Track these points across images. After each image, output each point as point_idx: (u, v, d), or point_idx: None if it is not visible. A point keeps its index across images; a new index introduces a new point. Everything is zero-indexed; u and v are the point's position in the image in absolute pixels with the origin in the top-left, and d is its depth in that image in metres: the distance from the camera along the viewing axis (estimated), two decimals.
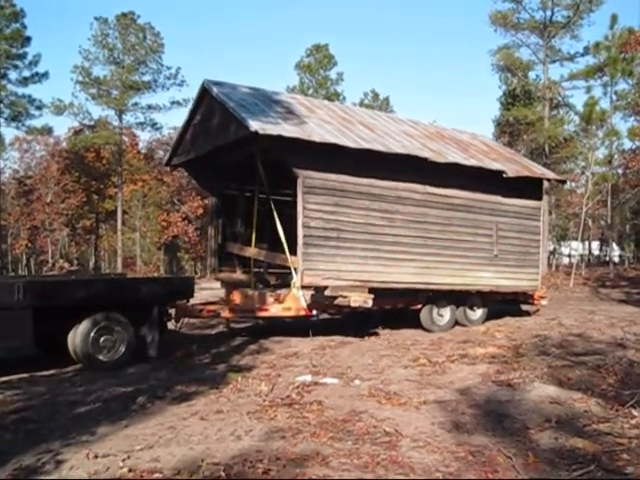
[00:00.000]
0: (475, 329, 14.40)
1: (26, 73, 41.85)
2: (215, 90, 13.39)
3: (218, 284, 16.40)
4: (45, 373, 9.69)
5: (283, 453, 5.74)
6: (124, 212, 50.62)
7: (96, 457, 5.69)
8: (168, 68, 48.67)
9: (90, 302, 9.98)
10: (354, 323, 15.01)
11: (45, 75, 42.52)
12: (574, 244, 42.63)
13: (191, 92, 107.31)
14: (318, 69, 51.95)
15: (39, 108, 43.81)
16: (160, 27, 74.97)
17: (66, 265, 36.75)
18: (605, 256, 48.06)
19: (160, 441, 6.22)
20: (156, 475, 5.26)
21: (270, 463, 5.45)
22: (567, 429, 6.38)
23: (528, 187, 15.70)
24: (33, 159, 56.25)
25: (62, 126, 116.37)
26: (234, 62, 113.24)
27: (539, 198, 16.35)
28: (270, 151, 12.42)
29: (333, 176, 12.72)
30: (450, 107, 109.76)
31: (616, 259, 46.09)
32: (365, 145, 13.05)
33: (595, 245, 52.23)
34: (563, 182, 24.16)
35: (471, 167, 14.55)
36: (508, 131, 41.58)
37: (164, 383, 8.94)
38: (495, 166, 15.09)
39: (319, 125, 13.32)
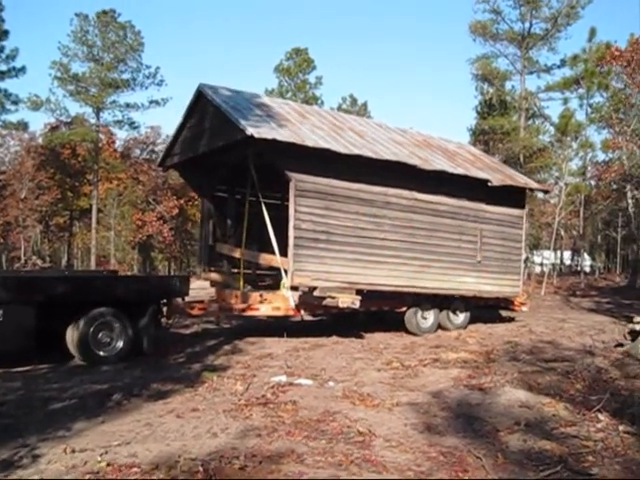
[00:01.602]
0: (448, 334, 14.68)
1: (2, 67, 41.05)
2: (210, 94, 13.63)
3: (206, 283, 16.56)
4: (20, 369, 9.64)
5: (259, 450, 5.84)
6: (99, 210, 50.11)
7: (73, 452, 5.74)
8: (147, 67, 48.27)
9: (90, 298, 10.14)
10: (329, 326, 15.27)
11: (22, 70, 41.67)
12: (546, 253, 43.19)
13: (170, 92, 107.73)
14: (297, 72, 52.22)
15: (15, 103, 42.96)
16: (140, 26, 74.67)
17: (39, 262, 36.59)
18: (576, 266, 48.77)
19: (137, 437, 6.29)
20: (134, 469, 5.33)
21: (246, 460, 5.55)
22: (536, 432, 6.61)
23: (511, 196, 16.17)
24: (7, 154, 55.51)
25: (38, 122, 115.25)
26: (214, 63, 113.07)
27: (522, 207, 16.82)
28: (264, 154, 12.65)
29: (324, 180, 13.02)
30: (427, 114, 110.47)
31: (587, 269, 46.84)
32: (355, 151, 13.39)
33: (567, 255, 52.80)
34: (546, 192, 24.67)
35: (457, 175, 14.97)
36: (483, 140, 41.98)
37: (139, 381, 8.97)
38: (480, 175, 15.52)
39: (312, 130, 13.61)
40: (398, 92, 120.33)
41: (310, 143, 12.69)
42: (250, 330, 14.28)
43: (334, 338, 13.70)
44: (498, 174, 16.45)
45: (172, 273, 52.38)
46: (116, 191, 52.34)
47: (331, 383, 9.12)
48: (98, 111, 47.97)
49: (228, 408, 7.42)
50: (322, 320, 16.65)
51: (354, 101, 57.83)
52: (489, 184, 15.36)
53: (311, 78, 52.63)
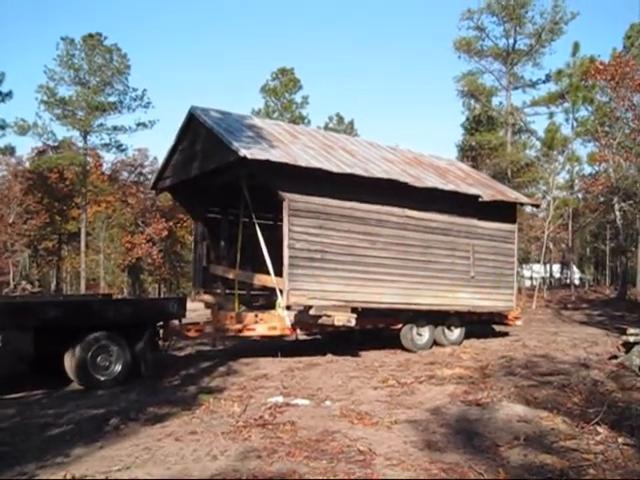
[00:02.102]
0: (442, 351, 14.66)
1: None
2: (202, 116, 13.71)
3: (200, 305, 16.57)
4: (13, 396, 9.51)
5: (260, 472, 5.80)
6: (87, 234, 50.11)
7: (73, 478, 5.70)
8: (134, 90, 48.57)
9: (87, 322, 10.12)
10: (323, 345, 15.28)
11: (9, 94, 41.79)
12: (536, 267, 43.37)
13: (157, 114, 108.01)
14: (283, 92, 52.56)
15: (2, 128, 43.16)
16: (127, 49, 74.93)
17: (28, 287, 36.42)
18: (566, 279, 48.91)
19: (137, 462, 6.23)
20: None
21: None
22: (535, 446, 6.60)
23: (502, 211, 16.32)
24: None
25: (25, 146, 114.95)
26: (200, 85, 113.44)
27: (513, 221, 16.97)
28: (257, 175, 12.72)
29: (317, 199, 13.09)
30: (414, 131, 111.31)
31: (577, 282, 47.00)
32: (347, 170, 13.49)
33: (556, 268, 53.05)
34: (537, 206, 24.86)
35: (449, 192, 15.10)
36: (471, 156, 42.22)
37: (136, 405, 8.90)
38: (471, 191, 15.66)
39: (303, 150, 13.71)
40: (385, 110, 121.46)
41: (302, 163, 12.79)
42: (244, 351, 14.25)
43: (329, 357, 13.68)
44: (489, 190, 16.61)
45: (162, 295, 52.23)
46: (105, 214, 52.36)
47: (328, 402, 9.07)
48: (85, 134, 48.06)
49: (226, 430, 7.38)
50: (316, 339, 16.64)
51: (341, 119, 58.14)
52: (480, 200, 15.51)
53: (297, 98, 53.09)
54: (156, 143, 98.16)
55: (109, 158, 63.89)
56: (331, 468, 5.97)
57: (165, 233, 52.98)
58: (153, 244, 53.11)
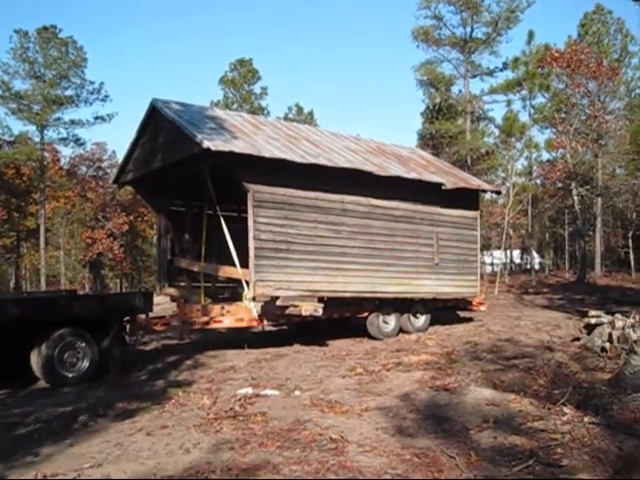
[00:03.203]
0: (407, 338, 14.80)
1: None
2: (164, 109, 13.60)
3: (165, 299, 16.47)
4: None
5: (234, 463, 5.81)
6: (47, 230, 49.25)
7: (44, 477, 5.64)
8: (91, 83, 47.69)
9: (53, 319, 9.99)
10: (289, 335, 15.29)
11: None
12: (496, 253, 43.93)
13: (115, 107, 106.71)
14: (242, 84, 52.26)
15: None
16: (83, 41, 73.73)
17: None
18: (526, 264, 49.64)
19: (109, 458, 6.18)
20: None
21: (223, 473, 5.55)
22: (504, 428, 6.74)
23: (465, 198, 16.51)
24: None
25: None
26: (158, 77, 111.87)
27: (476, 209, 17.20)
28: (220, 167, 12.66)
29: (282, 190, 13.09)
30: (374, 120, 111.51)
31: (537, 266, 47.68)
32: (312, 160, 13.50)
33: (516, 254, 53.70)
34: (498, 192, 25.09)
35: (412, 180, 15.20)
36: (431, 144, 42.62)
37: (104, 401, 8.81)
38: (434, 179, 15.80)
39: (267, 141, 13.68)
40: (344, 100, 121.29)
41: (266, 154, 12.76)
42: (210, 344, 14.20)
43: (295, 347, 13.75)
44: (451, 177, 16.78)
45: (124, 290, 51.61)
46: (64, 209, 51.51)
47: (297, 392, 9.11)
48: (42, 129, 47.08)
49: (198, 423, 7.36)
50: (283, 330, 16.66)
51: (300, 110, 57.94)
52: (443, 187, 15.66)
53: (256, 89, 52.91)
54: (114, 137, 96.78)
55: (67, 153, 62.80)
56: (304, 457, 6.00)
57: (126, 227, 52.29)
58: (114, 239, 52.43)
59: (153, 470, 5.73)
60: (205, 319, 13.18)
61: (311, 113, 58.39)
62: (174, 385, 9.81)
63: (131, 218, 53.10)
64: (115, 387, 9.85)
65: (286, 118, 52.97)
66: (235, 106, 49.84)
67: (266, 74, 68.52)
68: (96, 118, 48.09)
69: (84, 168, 55.54)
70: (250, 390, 9.21)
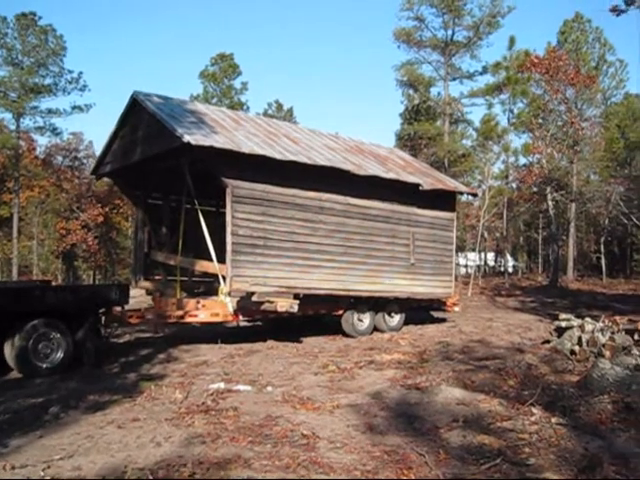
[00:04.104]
0: (380, 337, 14.91)
1: None
2: (145, 101, 13.56)
3: (140, 292, 16.41)
4: None
5: (205, 457, 5.85)
6: (20, 219, 48.69)
7: (13, 468, 5.60)
8: (70, 72, 47.16)
9: (28, 309, 9.93)
10: (263, 331, 15.35)
11: None
12: (471, 255, 44.24)
13: (93, 98, 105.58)
14: (222, 78, 52.01)
15: None
16: (63, 31, 72.89)
17: None
18: (500, 266, 50.15)
19: (79, 450, 6.16)
20: None
21: (194, 467, 5.57)
22: (474, 427, 6.84)
23: (442, 199, 16.68)
24: None
25: None
26: (137, 69, 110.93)
27: (452, 210, 17.35)
28: (200, 161, 12.65)
29: (260, 186, 13.12)
30: (353, 119, 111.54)
31: (510, 269, 48.22)
32: (291, 157, 13.54)
33: (490, 256, 54.07)
34: (474, 195, 25.27)
35: (389, 180, 15.30)
36: (409, 145, 42.70)
37: (75, 393, 8.77)
38: (411, 179, 15.92)
39: (247, 137, 13.70)
40: (324, 98, 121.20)
41: (246, 150, 12.79)
42: (183, 338, 14.18)
43: (269, 343, 13.81)
44: (429, 178, 16.91)
45: (97, 282, 51.17)
46: (38, 199, 50.83)
47: (270, 388, 9.14)
48: (18, 117, 46.50)
49: (169, 417, 7.37)
50: (257, 325, 16.68)
51: (280, 107, 57.88)
52: (420, 188, 15.79)
53: (236, 84, 52.63)
54: (92, 128, 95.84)
55: (43, 142, 62.13)
56: (275, 452, 6.03)
57: (101, 219, 51.69)
58: (88, 230, 51.89)
59: (124, 462, 5.73)
60: (180, 313, 13.14)
61: (291, 110, 58.40)
62: (146, 378, 9.79)
63: (106, 210, 52.55)
64: (88, 379, 9.80)
65: (265, 114, 52.81)
66: (215, 100, 49.63)
67: (247, 69, 68.59)
68: (74, 108, 47.55)
69: (60, 158, 54.89)
70: (222, 385, 9.22)
